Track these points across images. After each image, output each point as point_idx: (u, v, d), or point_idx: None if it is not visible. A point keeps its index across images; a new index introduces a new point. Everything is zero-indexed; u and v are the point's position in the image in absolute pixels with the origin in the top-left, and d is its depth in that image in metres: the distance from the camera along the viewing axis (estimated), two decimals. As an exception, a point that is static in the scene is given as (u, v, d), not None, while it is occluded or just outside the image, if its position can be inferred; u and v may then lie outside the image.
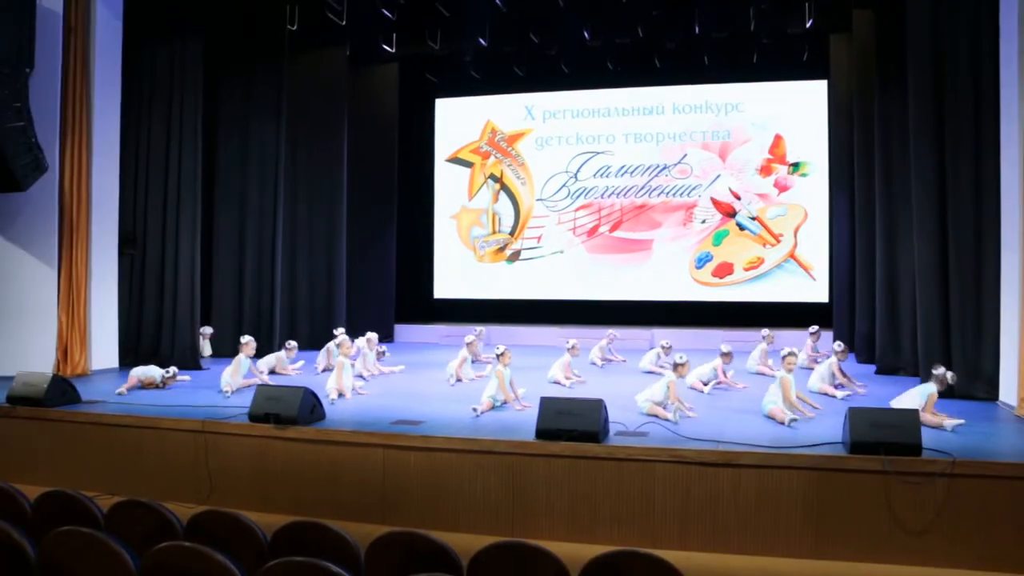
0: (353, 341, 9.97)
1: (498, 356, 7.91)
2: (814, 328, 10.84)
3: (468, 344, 10.12)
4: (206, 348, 11.62)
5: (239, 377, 8.79)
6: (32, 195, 9.35)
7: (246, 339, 9.20)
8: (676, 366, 7.55)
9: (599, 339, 12.10)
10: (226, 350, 11.83)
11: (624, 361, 11.32)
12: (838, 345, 8.77)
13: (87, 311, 9.84)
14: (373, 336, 10.52)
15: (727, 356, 9.27)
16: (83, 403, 7.66)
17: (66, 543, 3.47)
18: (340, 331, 10.63)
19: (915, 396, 6.94)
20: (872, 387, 8.96)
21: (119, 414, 7.25)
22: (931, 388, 6.86)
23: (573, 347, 9.79)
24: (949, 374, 6.98)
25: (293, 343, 10.59)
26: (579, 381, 9.50)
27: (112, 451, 7.10)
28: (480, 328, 11.73)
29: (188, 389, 8.74)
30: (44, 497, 4.40)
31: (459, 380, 9.52)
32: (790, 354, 7.41)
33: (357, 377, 9.29)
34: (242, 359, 8.97)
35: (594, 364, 11.31)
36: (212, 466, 6.75)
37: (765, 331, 10.78)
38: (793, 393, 7.19)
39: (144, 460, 6.98)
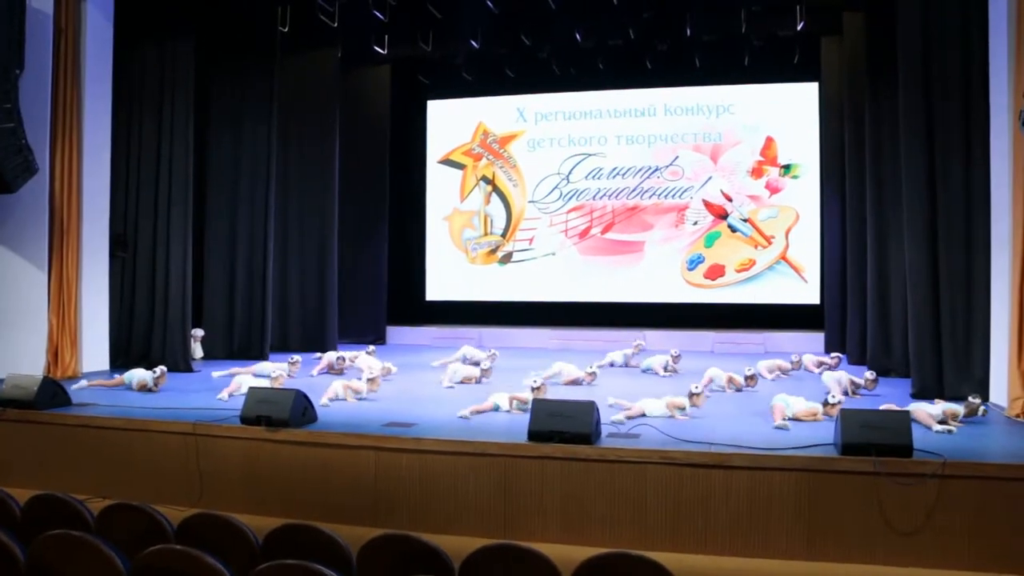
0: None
1: (534, 389, 7.65)
2: (836, 355, 10.73)
3: (484, 371, 9.89)
4: (197, 350, 11.59)
5: None
6: (22, 197, 9.31)
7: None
8: (692, 395, 7.39)
9: (587, 341, 12.04)
10: (218, 352, 11.82)
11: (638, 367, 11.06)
12: (871, 374, 8.68)
13: (78, 313, 9.80)
14: (391, 366, 10.37)
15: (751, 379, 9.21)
16: (73, 405, 7.62)
17: (56, 546, 3.46)
18: (364, 354, 10.66)
19: (940, 407, 6.93)
20: (863, 388, 8.98)
21: (110, 416, 7.22)
22: (959, 410, 6.87)
23: (592, 373, 9.54)
24: (983, 408, 7.00)
25: (297, 357, 10.35)
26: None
27: (103, 454, 7.07)
28: (494, 351, 11.37)
29: (180, 392, 8.71)
30: (34, 500, 4.39)
31: (462, 382, 9.52)
32: (839, 403, 7.25)
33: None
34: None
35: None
36: (203, 468, 6.73)
37: (795, 356, 10.60)
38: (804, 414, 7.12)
39: (135, 463, 6.96)
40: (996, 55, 7.92)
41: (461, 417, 7.23)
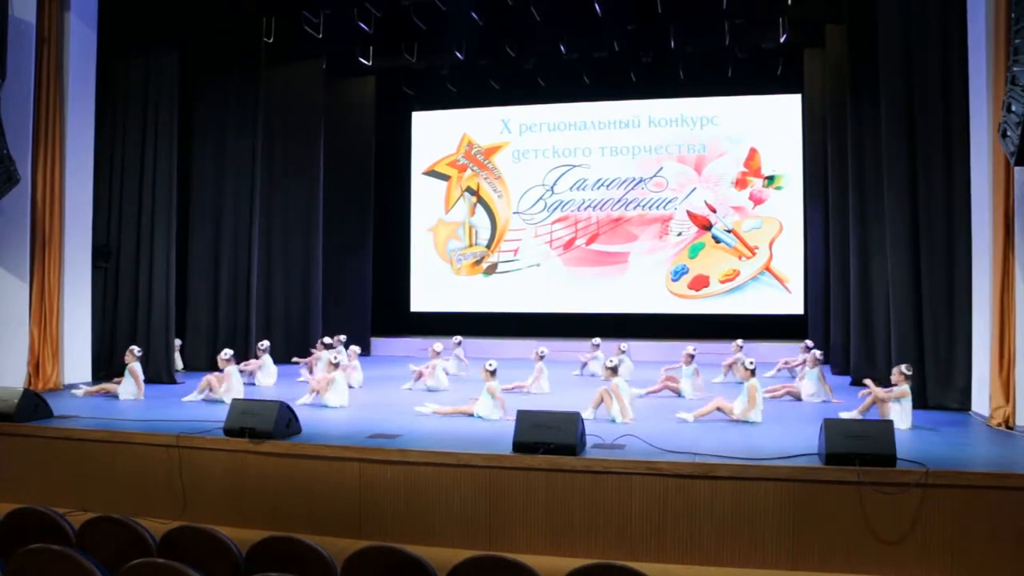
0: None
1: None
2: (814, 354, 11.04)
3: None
4: (177, 361, 11.50)
5: None
6: (4, 207, 9.24)
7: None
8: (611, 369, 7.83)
9: (571, 352, 12.01)
10: (201, 363, 11.74)
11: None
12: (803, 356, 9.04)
13: (59, 324, 9.72)
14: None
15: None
16: (55, 418, 7.55)
17: (36, 561, 3.42)
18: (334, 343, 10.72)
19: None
20: (847, 398, 9.05)
21: (92, 429, 7.15)
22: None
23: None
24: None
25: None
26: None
27: (84, 466, 7.00)
28: (449, 341, 11.59)
29: (162, 403, 8.64)
30: (14, 514, 4.33)
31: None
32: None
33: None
34: None
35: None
36: (187, 481, 6.68)
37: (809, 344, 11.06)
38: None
39: (117, 475, 6.89)
40: (976, 69, 8.00)
41: (420, 413, 7.78)
